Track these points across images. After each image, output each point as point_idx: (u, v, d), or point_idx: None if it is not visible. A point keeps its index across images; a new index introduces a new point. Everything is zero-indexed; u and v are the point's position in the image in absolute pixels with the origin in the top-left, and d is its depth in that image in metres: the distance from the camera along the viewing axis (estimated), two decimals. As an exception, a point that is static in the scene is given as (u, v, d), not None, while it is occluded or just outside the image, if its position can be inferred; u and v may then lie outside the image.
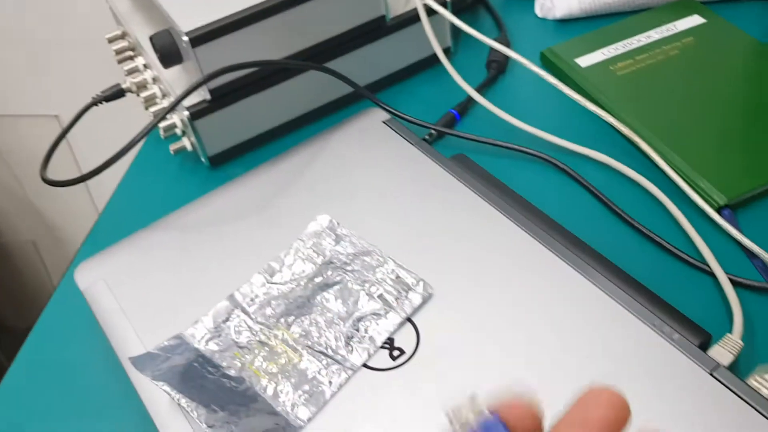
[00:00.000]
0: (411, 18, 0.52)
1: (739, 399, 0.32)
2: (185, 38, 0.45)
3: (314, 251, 0.41)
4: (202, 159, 0.52)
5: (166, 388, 0.35)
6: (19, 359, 0.44)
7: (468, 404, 0.22)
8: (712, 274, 0.40)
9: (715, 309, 0.39)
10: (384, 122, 0.48)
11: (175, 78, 0.51)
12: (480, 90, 0.52)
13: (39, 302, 1.34)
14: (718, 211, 0.42)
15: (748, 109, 0.47)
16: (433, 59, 0.55)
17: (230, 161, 0.53)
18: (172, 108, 0.45)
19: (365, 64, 0.53)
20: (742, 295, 0.39)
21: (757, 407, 0.32)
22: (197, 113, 0.49)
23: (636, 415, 0.32)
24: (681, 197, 0.44)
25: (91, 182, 1.16)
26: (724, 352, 0.35)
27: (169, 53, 0.47)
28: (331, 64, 0.51)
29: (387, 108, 0.50)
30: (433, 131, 0.50)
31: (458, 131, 0.49)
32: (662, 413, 0.32)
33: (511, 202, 0.43)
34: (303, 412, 0.34)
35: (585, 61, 0.51)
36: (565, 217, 0.44)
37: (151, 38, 0.48)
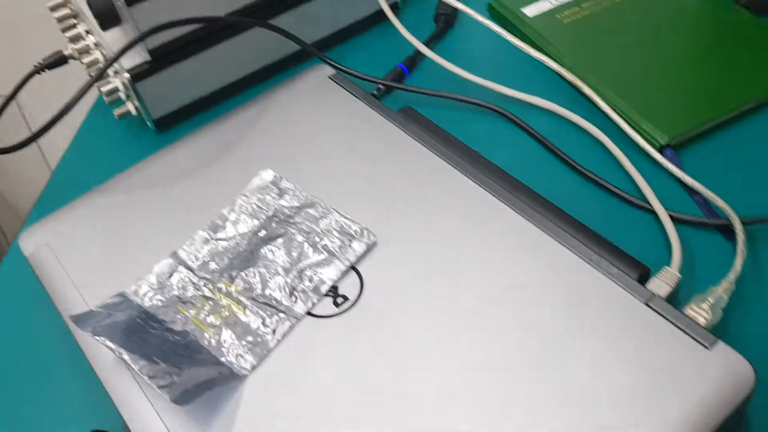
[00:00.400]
0: (355, -28, 0.51)
1: (675, 327, 0.33)
2: (120, -3, 0.44)
3: (258, 206, 0.40)
4: (148, 123, 0.51)
5: (108, 343, 0.35)
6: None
7: None
8: (654, 213, 0.41)
9: (656, 245, 0.40)
10: (330, 78, 0.48)
11: (116, 41, 0.50)
12: (428, 43, 0.52)
13: None
14: (660, 150, 0.43)
15: (688, 52, 0.47)
16: (381, 15, 0.54)
17: (177, 125, 0.52)
18: (105, 69, 0.44)
19: (311, 21, 0.52)
20: (682, 230, 0.40)
21: (692, 334, 0.32)
22: (138, 75, 0.48)
23: (574, 347, 0.33)
24: (625, 140, 0.44)
25: (46, 151, 1.14)
26: (661, 284, 0.36)
27: (106, 15, 0.47)
28: (276, 21, 0.50)
29: (333, 63, 0.49)
30: (381, 86, 0.50)
31: (406, 85, 0.49)
32: (600, 344, 0.33)
33: (456, 152, 0.42)
34: (247, 361, 0.34)
35: (532, 10, 0.51)
36: (512, 165, 0.44)
37: (88, 1, 0.47)
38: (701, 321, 0.34)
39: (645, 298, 0.34)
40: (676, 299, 0.36)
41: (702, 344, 0.32)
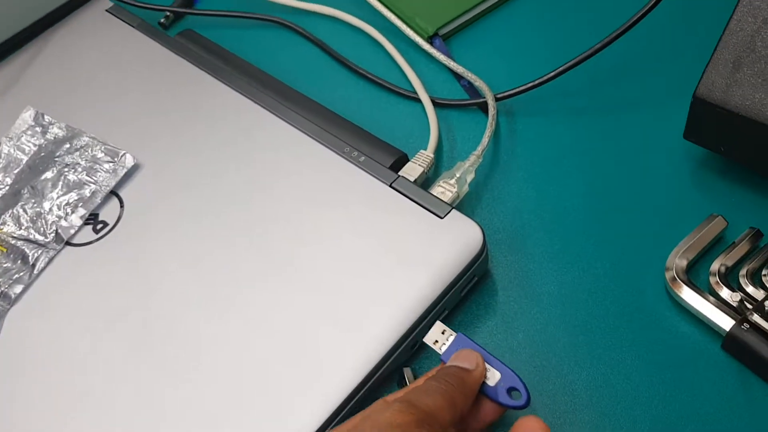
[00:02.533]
0: None
1: (414, 203, 0.34)
2: None
3: (23, 146, 0.40)
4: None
5: None
6: None
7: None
8: (420, 101, 0.41)
9: (423, 132, 0.40)
10: (107, 11, 0.47)
11: None
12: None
13: None
14: (429, 40, 0.43)
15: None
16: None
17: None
18: None
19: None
20: (448, 114, 0.41)
21: (428, 207, 0.33)
22: None
23: (326, 232, 0.33)
24: (397, 35, 0.44)
25: None
26: (415, 166, 0.36)
27: None
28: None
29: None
30: (168, 14, 0.49)
31: (194, 9, 0.48)
32: (348, 226, 0.33)
33: (232, 69, 0.42)
34: (6, 298, 0.34)
35: None
36: (294, 75, 0.44)
37: None
38: (447, 196, 0.34)
39: (389, 181, 0.35)
40: (433, 179, 0.37)
41: (436, 215, 0.33)
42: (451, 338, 0.29)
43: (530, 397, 0.27)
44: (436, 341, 0.29)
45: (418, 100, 0.41)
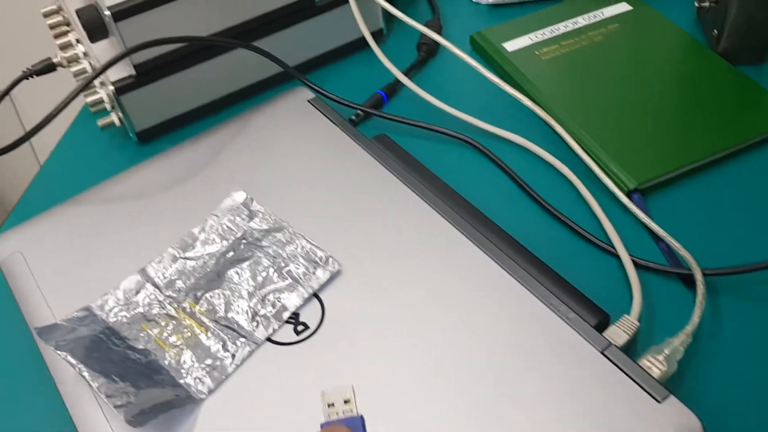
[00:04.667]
0: (341, -1, 0.52)
1: (628, 378, 0.33)
2: (107, 12, 0.45)
3: (228, 227, 0.41)
4: (131, 134, 0.52)
5: (69, 358, 0.35)
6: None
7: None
8: (617, 256, 0.41)
9: (618, 290, 0.40)
10: (309, 101, 0.49)
11: (104, 53, 0.51)
12: (408, 72, 0.53)
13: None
14: (628, 194, 0.44)
15: (664, 96, 0.48)
16: (365, 41, 0.55)
17: (158, 137, 0.53)
18: (91, 80, 0.45)
19: (294, 44, 0.53)
20: (645, 277, 0.41)
21: (645, 386, 0.33)
22: (123, 88, 0.48)
23: (527, 391, 0.33)
24: (594, 180, 0.45)
25: (40, 153, 1.15)
26: (619, 332, 0.36)
27: (94, 28, 0.47)
28: (260, 43, 0.51)
29: (313, 86, 0.50)
30: (359, 112, 0.50)
31: (384, 112, 0.50)
32: (552, 390, 0.33)
33: (426, 183, 0.43)
34: (204, 385, 0.35)
35: (512, 45, 0.52)
36: (481, 198, 0.45)
37: (77, 12, 0.47)
38: (656, 373, 0.34)
39: (601, 347, 0.34)
40: (633, 347, 0.37)
41: (654, 398, 0.32)
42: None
43: None
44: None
45: (614, 255, 0.41)
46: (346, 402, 0.25)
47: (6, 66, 1.06)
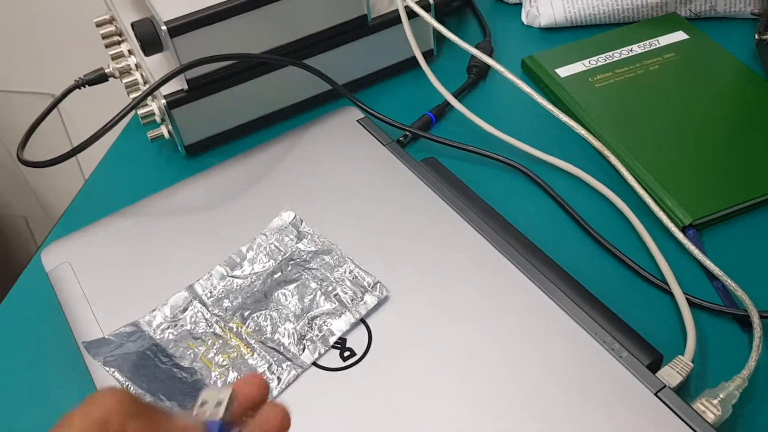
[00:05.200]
0: (393, 19, 0.52)
1: (682, 421, 0.32)
2: (164, 27, 0.45)
3: (276, 247, 0.41)
4: (179, 147, 0.52)
5: (117, 374, 0.35)
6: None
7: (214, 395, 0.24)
8: (671, 293, 0.40)
9: (671, 328, 0.39)
10: (358, 121, 0.48)
11: (156, 66, 0.51)
12: (458, 95, 0.52)
13: (27, 278, 1.34)
14: (683, 230, 0.42)
15: (721, 129, 0.47)
16: (416, 61, 0.55)
17: (206, 151, 0.53)
18: (145, 96, 0.45)
19: (345, 63, 0.53)
20: (698, 316, 0.40)
21: (698, 430, 0.32)
22: (174, 102, 0.49)
23: (576, 421, 0.32)
24: (647, 213, 0.44)
25: (83, 162, 1.16)
26: (673, 373, 0.35)
27: (149, 41, 0.48)
28: (311, 61, 0.51)
29: (362, 107, 0.50)
30: (408, 133, 0.50)
31: (432, 135, 0.49)
32: (604, 430, 0.32)
33: (475, 210, 0.43)
34: (249, 407, 0.35)
35: (565, 71, 0.51)
36: (530, 226, 0.44)
37: (132, 25, 0.48)
38: (710, 417, 0.33)
39: (655, 388, 0.34)
40: (686, 389, 0.36)
41: (707, 443, 0.32)
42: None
43: None
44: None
45: (667, 292, 0.40)
46: (217, 404, 0.25)
47: (51, 73, 1.08)
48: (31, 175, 1.18)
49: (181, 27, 0.45)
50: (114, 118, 0.45)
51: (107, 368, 0.35)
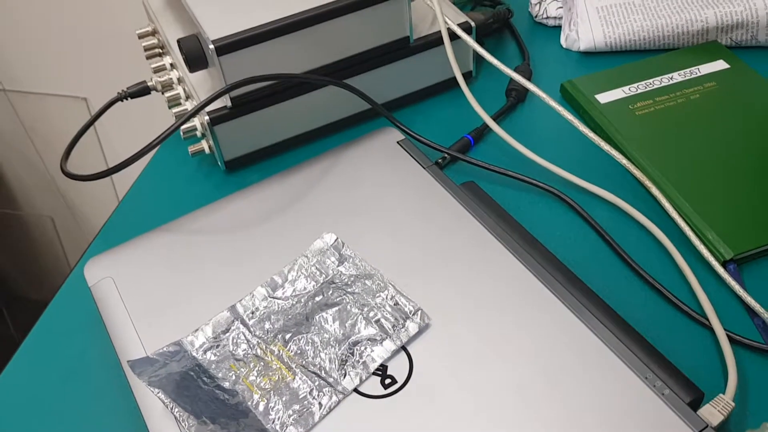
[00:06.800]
0: (434, 41, 0.52)
1: (723, 462, 0.32)
2: (211, 46, 0.46)
3: (317, 269, 0.41)
4: (219, 163, 0.53)
5: (161, 395, 0.36)
6: (22, 350, 0.45)
7: None
8: (711, 329, 0.40)
9: (711, 365, 0.39)
10: (398, 143, 0.49)
11: (200, 81, 0.52)
12: (497, 117, 0.52)
13: (52, 276, 1.36)
14: (724, 264, 0.42)
15: (762, 162, 0.47)
16: (454, 82, 0.55)
17: (246, 167, 0.53)
18: (193, 114, 0.46)
19: (385, 83, 0.53)
20: (739, 353, 0.39)
21: (740, 472, 0.32)
22: (217, 119, 0.49)
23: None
24: (687, 246, 0.44)
25: (118, 176, 1.17)
26: (714, 412, 0.35)
27: (195, 58, 0.48)
28: (352, 81, 0.51)
29: (402, 128, 0.50)
30: (446, 155, 0.50)
31: (471, 157, 0.50)
32: (645, 467, 0.32)
33: (516, 236, 0.43)
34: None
35: (605, 97, 0.51)
36: (568, 254, 0.44)
37: (178, 42, 0.48)
38: (750, 456, 0.33)
39: (697, 428, 0.33)
40: (726, 428, 0.36)
41: (750, 485, 0.32)
42: None
43: None
44: None
45: (707, 327, 0.40)
46: None
47: (85, 76, 1.09)
48: (61, 177, 1.19)
49: (229, 46, 0.46)
50: (160, 135, 0.46)
51: (152, 389, 0.36)
